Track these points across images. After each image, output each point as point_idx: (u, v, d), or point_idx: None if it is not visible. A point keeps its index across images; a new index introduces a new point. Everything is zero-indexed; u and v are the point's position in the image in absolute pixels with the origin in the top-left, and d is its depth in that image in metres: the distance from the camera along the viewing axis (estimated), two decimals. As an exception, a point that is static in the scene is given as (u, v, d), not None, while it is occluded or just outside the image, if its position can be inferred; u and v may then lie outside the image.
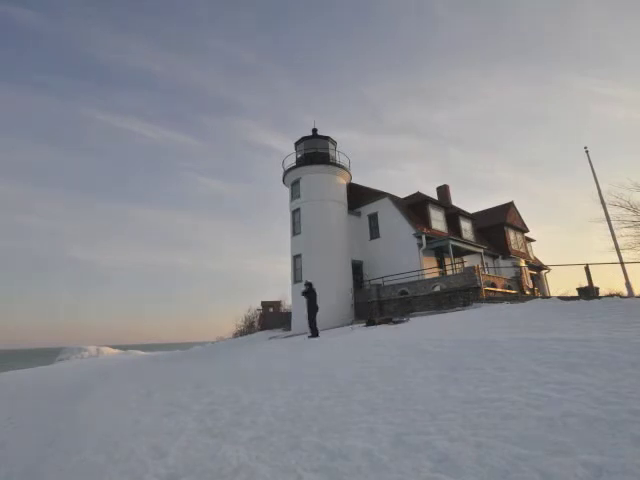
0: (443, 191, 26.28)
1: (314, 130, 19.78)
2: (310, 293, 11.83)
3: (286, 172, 19.08)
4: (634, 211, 14.26)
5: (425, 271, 16.38)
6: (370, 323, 12.26)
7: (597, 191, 13.77)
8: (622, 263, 12.63)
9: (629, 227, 14.33)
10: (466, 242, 18.05)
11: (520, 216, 25.51)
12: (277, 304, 27.83)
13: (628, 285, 12.33)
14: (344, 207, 18.56)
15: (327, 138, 19.46)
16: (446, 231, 19.18)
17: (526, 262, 22.38)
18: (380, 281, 16.90)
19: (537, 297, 13.41)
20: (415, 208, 19.60)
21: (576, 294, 14.80)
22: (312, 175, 18.17)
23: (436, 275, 16.53)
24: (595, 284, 14.11)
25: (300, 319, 16.33)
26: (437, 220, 19.31)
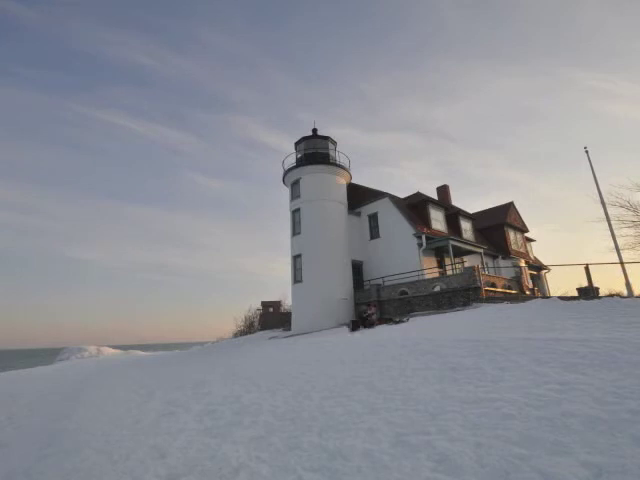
0: (443, 191, 26.29)
1: (314, 130, 19.78)
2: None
3: (286, 172, 19.09)
4: (634, 211, 14.25)
5: (425, 271, 16.37)
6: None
7: (597, 191, 13.79)
8: (622, 263, 12.63)
9: (629, 227, 14.32)
10: (466, 242, 18.05)
11: (520, 216, 25.52)
12: (277, 304, 27.83)
13: (628, 285, 12.33)
14: (344, 207, 18.55)
15: (327, 138, 19.46)
16: (446, 231, 19.16)
17: (526, 262, 22.37)
18: (380, 281, 16.90)
19: (537, 297, 13.41)
20: (415, 208, 19.60)
21: (576, 294, 14.79)
22: (312, 175, 18.17)
23: (436, 275, 16.51)
24: (595, 284, 14.12)
25: (300, 319, 16.34)
26: (437, 220, 19.30)
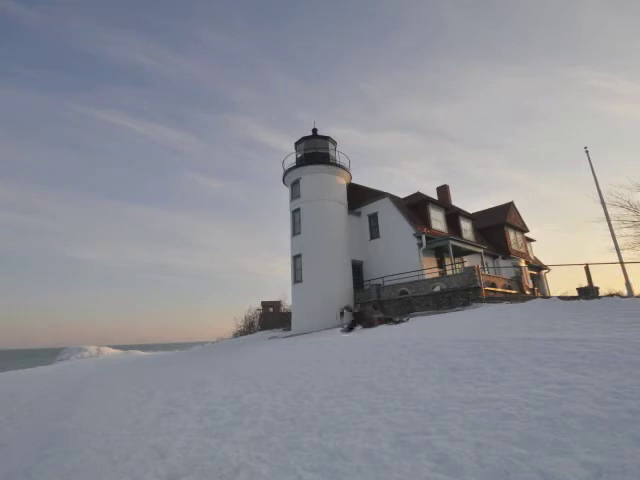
0: (443, 191, 26.30)
1: (314, 130, 19.78)
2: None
3: (286, 172, 19.09)
4: (634, 211, 14.24)
5: (425, 271, 16.37)
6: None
7: (597, 191, 13.79)
8: (622, 263, 12.63)
9: (629, 227, 14.31)
10: (466, 242, 18.05)
11: (520, 216, 25.52)
12: (277, 304, 27.82)
13: (628, 285, 12.34)
14: (344, 207, 18.56)
15: (327, 138, 19.46)
16: (446, 231, 19.17)
17: (526, 262, 22.37)
18: (380, 281, 16.91)
19: (537, 297, 13.41)
20: (415, 208, 19.60)
21: (576, 294, 14.78)
22: (312, 175, 18.17)
23: (436, 275, 16.51)
24: (595, 284, 14.11)
25: (300, 319, 16.34)
26: (437, 220, 19.31)
